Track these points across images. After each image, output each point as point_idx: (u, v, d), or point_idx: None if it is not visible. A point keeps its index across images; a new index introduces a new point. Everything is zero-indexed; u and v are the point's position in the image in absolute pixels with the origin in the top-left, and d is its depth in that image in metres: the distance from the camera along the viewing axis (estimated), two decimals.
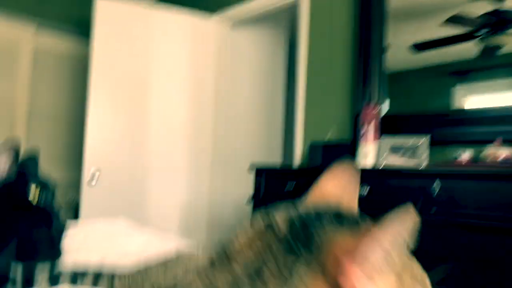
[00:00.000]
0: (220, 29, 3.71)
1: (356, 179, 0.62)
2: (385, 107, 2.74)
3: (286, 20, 3.99)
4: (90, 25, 3.25)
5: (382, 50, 2.77)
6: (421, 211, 1.87)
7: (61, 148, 3.99)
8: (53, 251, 1.46)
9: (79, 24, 3.90)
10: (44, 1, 3.87)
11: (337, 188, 0.61)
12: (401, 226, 0.45)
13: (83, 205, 3.19)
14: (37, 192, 1.39)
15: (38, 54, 3.86)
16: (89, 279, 1.25)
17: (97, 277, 1.26)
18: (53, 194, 1.43)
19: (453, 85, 2.51)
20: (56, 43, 3.96)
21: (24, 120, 3.81)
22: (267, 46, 4.01)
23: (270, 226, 0.51)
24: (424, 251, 1.90)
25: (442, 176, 1.92)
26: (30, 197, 1.33)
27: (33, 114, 3.86)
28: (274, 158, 4.01)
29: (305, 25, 3.21)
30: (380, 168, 2.37)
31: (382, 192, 2.14)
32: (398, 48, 2.72)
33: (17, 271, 1.24)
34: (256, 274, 0.47)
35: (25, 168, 1.41)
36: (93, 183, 3.20)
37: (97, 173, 3.22)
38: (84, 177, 3.23)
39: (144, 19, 3.43)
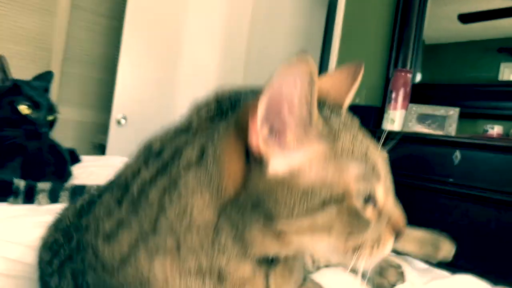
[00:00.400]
0: None
1: (355, 76, 0.61)
2: (417, 75, 2.68)
3: None
4: None
5: (421, 18, 2.68)
6: (439, 179, 1.87)
7: (93, 92, 4.06)
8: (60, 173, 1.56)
9: None
10: None
11: (329, 83, 0.60)
12: (287, 76, 0.46)
13: (110, 145, 3.27)
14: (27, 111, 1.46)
15: None
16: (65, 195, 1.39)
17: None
18: (45, 118, 1.50)
19: (498, 61, 2.42)
20: None
21: (59, 60, 3.87)
22: (306, 4, 3.92)
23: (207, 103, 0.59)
24: (437, 218, 1.90)
25: (464, 145, 1.88)
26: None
27: (68, 54, 3.92)
28: None
29: None
30: (402, 132, 2.34)
31: (402, 157, 2.12)
32: (440, 19, 2.63)
33: (20, 185, 1.34)
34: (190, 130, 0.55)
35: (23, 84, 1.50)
36: (121, 123, 3.26)
37: (123, 120, 3.28)
38: (111, 120, 3.29)
39: None
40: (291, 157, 0.49)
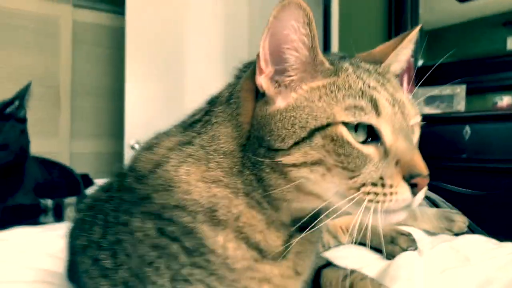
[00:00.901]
0: None
1: (403, 38, 0.66)
2: (419, 61, 2.67)
3: None
4: None
5: (416, 2, 2.68)
6: (452, 157, 1.86)
7: (105, 122, 4.13)
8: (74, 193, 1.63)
9: None
10: None
11: (386, 46, 0.66)
12: (281, 18, 0.53)
13: None
14: None
15: (77, 28, 3.98)
16: None
17: None
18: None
19: (504, 35, 2.41)
20: (93, 16, 4.06)
21: (68, 95, 3.95)
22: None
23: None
24: (454, 195, 1.88)
25: (473, 120, 1.87)
26: None
27: (76, 88, 4.00)
28: None
29: None
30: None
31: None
32: (440, 2, 2.63)
33: (48, 203, 1.42)
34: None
35: None
36: (135, 147, 3.29)
37: (136, 145, 3.32)
38: (125, 148, 3.33)
39: None
40: (290, 93, 0.56)
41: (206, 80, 3.57)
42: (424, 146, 1.94)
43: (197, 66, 3.54)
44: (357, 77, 0.56)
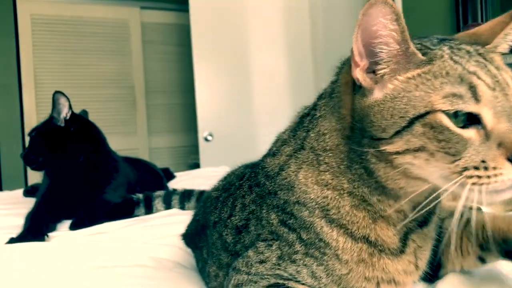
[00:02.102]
0: None
1: (507, 20, 0.63)
2: None
3: None
4: None
5: None
6: None
7: (179, 117, 4.32)
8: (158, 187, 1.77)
9: None
10: None
11: (492, 25, 0.64)
12: (370, 16, 0.57)
13: (202, 161, 3.44)
14: None
15: (145, 29, 4.17)
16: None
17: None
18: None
19: None
20: (160, 16, 4.24)
21: (143, 94, 4.17)
22: None
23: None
24: None
25: None
26: None
27: (149, 87, 4.21)
28: None
29: None
30: None
31: None
32: None
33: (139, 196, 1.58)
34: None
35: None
36: (208, 139, 3.42)
37: (209, 137, 3.44)
38: (199, 141, 3.46)
39: None
40: (386, 84, 0.58)
41: (271, 71, 3.63)
42: None
43: (261, 58, 3.60)
44: (455, 62, 0.56)
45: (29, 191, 1.93)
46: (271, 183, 0.70)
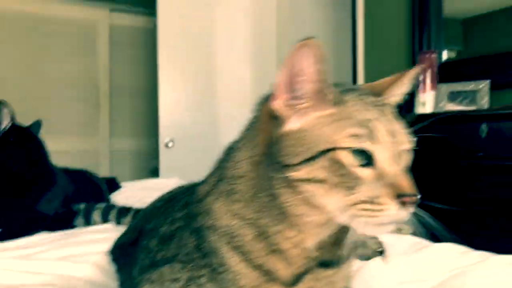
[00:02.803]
0: None
1: (403, 76, 0.75)
2: (444, 53, 2.64)
3: None
4: None
5: None
6: (468, 155, 1.85)
7: (142, 121, 4.30)
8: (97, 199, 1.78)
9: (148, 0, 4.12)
10: None
11: (388, 80, 0.75)
12: (298, 56, 0.63)
13: (161, 168, 3.43)
14: None
15: (114, 32, 4.15)
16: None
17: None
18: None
19: None
20: (128, 19, 4.22)
21: (107, 96, 4.14)
22: (329, 2, 3.94)
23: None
24: (470, 194, 1.88)
25: (490, 118, 1.85)
26: None
27: (114, 90, 4.19)
28: None
29: None
30: (426, 113, 2.33)
31: (430, 138, 2.11)
32: None
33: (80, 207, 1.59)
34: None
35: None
36: (169, 146, 3.41)
37: (171, 143, 3.44)
38: (160, 145, 3.45)
39: None
40: (303, 118, 0.65)
41: (236, 79, 3.65)
42: (443, 144, 1.94)
43: (227, 66, 3.61)
44: (359, 108, 0.64)
45: None
46: (196, 207, 0.75)
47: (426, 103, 2.49)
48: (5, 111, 1.63)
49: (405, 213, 0.60)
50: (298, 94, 0.65)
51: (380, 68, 3.05)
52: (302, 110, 0.65)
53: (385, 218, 0.60)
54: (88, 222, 1.64)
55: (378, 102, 0.68)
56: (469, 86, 2.38)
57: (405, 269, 1.03)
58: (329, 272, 0.71)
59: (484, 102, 2.30)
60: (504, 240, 1.73)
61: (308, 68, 0.63)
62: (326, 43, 3.94)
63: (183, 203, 0.81)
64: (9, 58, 3.79)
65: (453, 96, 2.43)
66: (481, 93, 2.32)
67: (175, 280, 0.72)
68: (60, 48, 3.95)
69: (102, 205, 1.71)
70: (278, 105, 0.66)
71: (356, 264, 1.08)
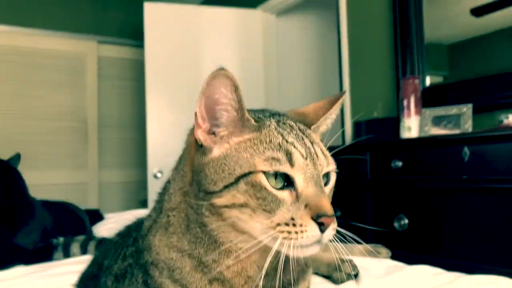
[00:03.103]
0: (266, 17, 3.78)
1: (333, 103, 0.77)
2: (427, 79, 2.67)
3: (333, 3, 3.96)
4: (142, 29, 3.44)
5: (419, 21, 2.68)
6: (453, 179, 1.85)
7: (130, 152, 4.29)
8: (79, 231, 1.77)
9: (135, 32, 4.17)
10: (102, 16, 4.18)
11: (317, 108, 0.78)
12: (212, 86, 0.65)
13: (150, 199, 3.40)
14: None
15: (102, 63, 4.18)
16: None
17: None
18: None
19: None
20: (116, 51, 4.26)
21: (95, 128, 4.14)
22: (315, 30, 4.01)
23: None
24: (455, 218, 1.88)
25: (472, 141, 1.86)
26: None
27: (102, 121, 4.19)
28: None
29: (344, 9, 3.19)
30: (409, 138, 2.34)
31: (415, 162, 2.11)
32: (456, 16, 2.61)
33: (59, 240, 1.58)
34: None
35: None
36: (158, 176, 3.40)
37: (159, 174, 3.42)
38: (148, 176, 3.44)
39: (191, 18, 3.59)
40: (223, 145, 0.67)
41: None
42: (426, 168, 1.94)
43: None
44: (278, 133, 0.66)
45: None
46: (141, 243, 0.75)
47: (412, 127, 2.50)
48: None
49: (325, 234, 0.62)
50: (219, 122, 0.67)
51: (366, 92, 3.07)
52: (224, 137, 0.67)
53: (306, 239, 0.61)
54: (67, 255, 1.63)
55: (302, 127, 0.71)
56: (452, 110, 2.40)
57: None
58: None
59: (468, 125, 2.31)
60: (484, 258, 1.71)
61: (224, 97, 0.66)
62: (314, 69, 3.99)
63: (133, 239, 0.82)
64: None
65: (437, 120, 2.45)
66: (464, 117, 2.34)
67: None
68: (48, 81, 3.97)
69: (81, 237, 1.70)
70: (200, 134, 0.68)
71: (330, 287, 1.07)
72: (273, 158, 0.63)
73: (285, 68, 3.87)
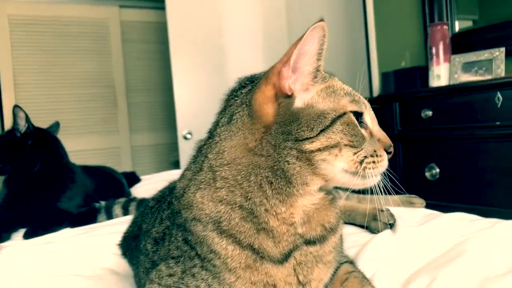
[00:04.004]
0: None
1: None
2: (456, 24, 2.59)
3: None
4: None
5: None
6: (486, 125, 1.84)
7: (159, 115, 4.35)
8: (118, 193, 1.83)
9: None
10: None
11: None
12: (311, 37, 0.68)
13: (182, 159, 3.47)
14: None
15: (125, 28, 4.18)
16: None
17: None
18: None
19: None
20: (139, 14, 4.25)
21: (123, 93, 4.19)
22: None
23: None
24: (488, 165, 1.87)
25: (506, 85, 1.82)
26: None
27: (130, 86, 4.23)
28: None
29: None
30: (438, 87, 2.30)
31: (446, 110, 2.09)
32: None
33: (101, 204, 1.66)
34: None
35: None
36: (188, 137, 3.45)
37: (189, 135, 3.47)
38: (179, 138, 3.49)
39: None
40: (307, 94, 0.71)
41: (247, 66, 3.64)
42: (459, 115, 1.92)
43: (237, 53, 3.61)
44: (341, 83, 0.75)
45: None
46: (178, 204, 0.77)
47: (441, 75, 2.46)
48: (21, 114, 1.68)
49: (387, 162, 0.73)
50: (305, 70, 0.71)
51: (393, 42, 3.01)
52: (310, 86, 0.71)
53: (382, 167, 0.71)
54: (110, 217, 1.69)
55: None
56: (484, 55, 2.34)
57: (414, 239, 1.04)
58: (315, 248, 0.74)
59: (500, 70, 2.25)
60: None
61: (315, 48, 0.70)
62: (337, 20, 3.91)
63: (167, 203, 0.86)
64: (26, 61, 3.86)
65: (468, 67, 2.39)
66: (496, 61, 2.28)
67: (171, 275, 0.76)
68: (74, 49, 4.01)
69: (122, 199, 1.75)
70: (291, 84, 0.70)
71: (367, 236, 1.09)
72: (354, 101, 0.72)
73: (308, 20, 3.80)
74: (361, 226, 1.23)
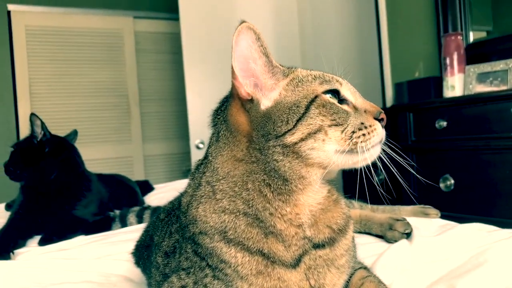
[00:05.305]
0: None
1: None
2: (470, 34, 2.58)
3: None
4: (176, 2, 3.45)
5: None
6: (500, 136, 1.82)
7: (172, 125, 4.38)
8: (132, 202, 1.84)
9: (170, 5, 4.18)
10: None
11: None
12: (239, 42, 0.70)
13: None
14: None
15: (139, 38, 4.24)
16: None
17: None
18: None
19: None
20: (152, 25, 4.30)
21: (137, 102, 4.23)
22: None
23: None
24: (503, 177, 1.85)
25: None
26: None
27: (143, 95, 4.27)
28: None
29: None
30: (453, 97, 2.28)
31: (460, 121, 2.07)
32: None
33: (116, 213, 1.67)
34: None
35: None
36: (200, 147, 3.46)
37: (201, 145, 3.48)
38: (191, 147, 3.50)
39: None
40: (274, 92, 0.72)
41: None
42: (474, 126, 1.91)
43: None
44: (308, 70, 0.76)
45: (10, 206, 1.99)
46: (184, 218, 0.79)
47: (455, 86, 2.44)
48: (37, 122, 1.71)
49: (383, 132, 0.73)
50: (256, 73, 0.72)
51: (406, 52, 3.00)
52: (270, 85, 0.72)
53: (377, 137, 0.71)
54: (124, 225, 1.70)
55: None
56: (499, 65, 2.32)
57: (431, 249, 1.03)
58: (324, 251, 0.73)
59: None
60: None
61: (251, 49, 0.71)
62: (350, 31, 3.91)
63: (176, 216, 0.87)
64: (41, 71, 3.92)
65: (483, 77, 2.38)
66: (511, 72, 2.26)
67: (183, 286, 0.76)
68: (89, 59, 4.06)
69: (136, 208, 1.77)
70: (249, 91, 0.72)
71: (384, 245, 1.08)
72: (325, 81, 0.73)
73: (321, 35, 3.81)
74: (378, 236, 1.22)
